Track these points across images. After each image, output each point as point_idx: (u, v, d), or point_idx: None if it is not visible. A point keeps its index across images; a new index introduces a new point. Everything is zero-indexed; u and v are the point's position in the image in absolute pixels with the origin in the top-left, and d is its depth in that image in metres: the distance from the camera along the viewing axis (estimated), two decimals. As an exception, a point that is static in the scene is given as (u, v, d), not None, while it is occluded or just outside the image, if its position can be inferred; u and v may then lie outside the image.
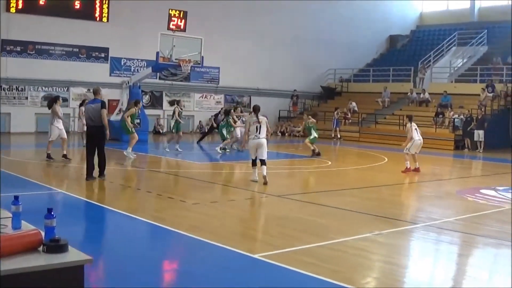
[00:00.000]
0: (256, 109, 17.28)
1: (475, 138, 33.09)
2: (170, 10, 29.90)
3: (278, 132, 42.67)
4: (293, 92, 46.51)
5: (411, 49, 51.89)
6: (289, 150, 30.10)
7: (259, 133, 16.75)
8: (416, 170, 20.79)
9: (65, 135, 21.12)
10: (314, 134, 25.50)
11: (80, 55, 37.16)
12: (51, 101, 21.33)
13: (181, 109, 26.96)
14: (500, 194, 16.63)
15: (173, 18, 29.67)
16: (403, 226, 11.62)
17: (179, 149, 25.84)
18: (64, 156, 20.80)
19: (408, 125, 21.34)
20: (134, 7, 37.37)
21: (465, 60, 45.55)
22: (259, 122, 16.81)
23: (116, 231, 11.11)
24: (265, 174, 16.40)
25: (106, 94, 37.03)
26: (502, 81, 38.36)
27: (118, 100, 34.35)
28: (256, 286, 7.59)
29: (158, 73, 38.14)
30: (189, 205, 13.25)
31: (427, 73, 43.54)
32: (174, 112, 26.46)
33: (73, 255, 4.21)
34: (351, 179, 20.04)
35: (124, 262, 8.66)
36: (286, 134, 42.10)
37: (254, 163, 16.98)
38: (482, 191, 16.93)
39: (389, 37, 54.02)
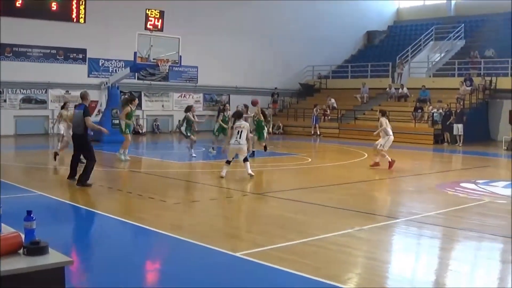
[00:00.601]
0: (240, 115, 17.76)
1: (454, 132, 33.27)
2: (147, 10, 29.79)
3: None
4: (273, 90, 46.62)
5: (388, 45, 52.10)
6: (269, 148, 30.10)
7: (240, 138, 17.10)
8: (392, 163, 20.41)
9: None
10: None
11: (58, 57, 36.94)
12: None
13: (193, 114, 26.34)
14: (480, 187, 16.73)
15: (150, 18, 29.57)
16: (384, 221, 11.65)
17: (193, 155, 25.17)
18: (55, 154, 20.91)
19: (383, 120, 20.95)
20: (111, 7, 37.18)
21: (442, 55, 45.78)
22: (241, 128, 17.17)
23: (96, 233, 11.08)
24: (249, 171, 17.08)
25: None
26: (480, 74, 38.57)
27: (97, 101, 34.23)
28: (238, 285, 7.60)
29: (136, 73, 38.02)
30: (170, 205, 13.24)
31: (405, 68, 43.70)
32: (185, 118, 24.67)
33: (53, 257, 4.20)
34: (331, 175, 20.08)
35: (104, 263, 8.65)
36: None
37: (228, 162, 17.47)
38: (462, 184, 17.02)
39: (366, 33, 54.19)
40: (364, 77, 44.78)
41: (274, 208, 13.13)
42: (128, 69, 32.22)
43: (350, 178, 18.33)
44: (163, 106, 41.73)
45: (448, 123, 33.48)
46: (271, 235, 10.20)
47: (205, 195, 15.32)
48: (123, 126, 22.60)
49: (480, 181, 17.75)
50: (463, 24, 46.64)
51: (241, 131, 17.06)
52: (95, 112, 33.02)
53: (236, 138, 17.08)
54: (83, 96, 16.07)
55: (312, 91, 47.67)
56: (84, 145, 15.61)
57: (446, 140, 33.78)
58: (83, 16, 36.70)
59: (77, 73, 37.21)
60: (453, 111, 33.91)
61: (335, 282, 7.49)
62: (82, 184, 15.15)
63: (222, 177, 17.06)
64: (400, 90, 40.51)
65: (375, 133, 21.23)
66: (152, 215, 11.89)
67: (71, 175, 16.04)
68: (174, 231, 10.29)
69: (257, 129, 24.29)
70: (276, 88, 46.76)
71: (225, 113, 26.35)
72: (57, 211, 12.68)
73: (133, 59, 29.69)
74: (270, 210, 12.89)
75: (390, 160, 20.32)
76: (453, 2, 51.89)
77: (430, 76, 42.43)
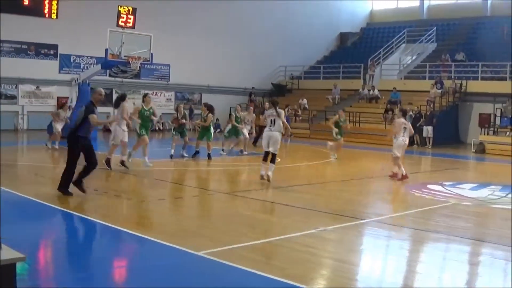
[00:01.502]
0: (275, 102, 17.12)
1: (424, 134, 33.57)
2: (119, 7, 29.61)
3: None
4: (251, 90, 46.73)
5: (361, 47, 52.32)
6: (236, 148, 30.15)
7: (274, 125, 16.52)
8: (404, 177, 18.24)
9: (126, 138, 19.30)
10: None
11: (29, 52, 36.65)
12: (119, 99, 19.55)
13: (237, 114, 25.97)
14: (447, 189, 16.85)
15: (122, 15, 29.35)
16: (349, 221, 11.68)
17: (245, 151, 25.42)
18: (122, 163, 19.11)
19: (399, 121, 19.09)
20: (83, 3, 36.94)
21: (414, 57, 46.13)
22: (276, 115, 16.56)
23: (60, 230, 10.97)
24: (270, 173, 16.32)
25: (55, 92, 36.87)
26: (450, 77, 38.87)
27: (67, 98, 34.01)
28: (198, 284, 7.58)
29: (108, 70, 37.81)
30: (136, 203, 13.20)
31: (377, 70, 43.93)
32: (231, 116, 25.21)
33: (5, 253, 4.17)
34: (301, 175, 20.13)
35: (62, 260, 8.63)
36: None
37: (265, 157, 16.65)
38: (429, 186, 17.15)
39: (339, 35, 54.38)
40: (336, 78, 44.97)
41: (242, 208, 13.13)
42: (99, 65, 32.04)
43: (319, 178, 18.42)
44: (134, 103, 41.41)
45: (418, 125, 33.69)
46: (237, 234, 10.21)
47: (172, 194, 15.29)
48: (137, 127, 19.87)
49: (447, 183, 17.88)
50: (435, 27, 47.00)
51: (274, 119, 16.49)
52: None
53: (270, 125, 16.55)
54: (95, 92, 14.17)
55: (284, 91, 47.74)
56: (73, 145, 13.49)
57: (416, 142, 34.01)
58: (55, 11, 36.42)
59: (48, 69, 36.96)
60: (423, 114, 34.21)
61: (297, 281, 7.50)
62: (62, 189, 13.50)
63: (262, 177, 16.45)
64: (371, 92, 40.71)
65: (388, 136, 19.66)
66: (119, 213, 11.85)
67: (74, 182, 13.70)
68: (140, 230, 10.26)
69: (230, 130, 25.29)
70: (253, 87, 46.92)
71: (237, 114, 26.23)
72: (22, 208, 12.55)
73: (104, 56, 29.51)
74: (238, 209, 12.89)
75: (403, 174, 18.22)
76: (425, 5, 52.25)
77: (401, 79, 42.71)
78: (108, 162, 18.56)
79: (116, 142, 19.06)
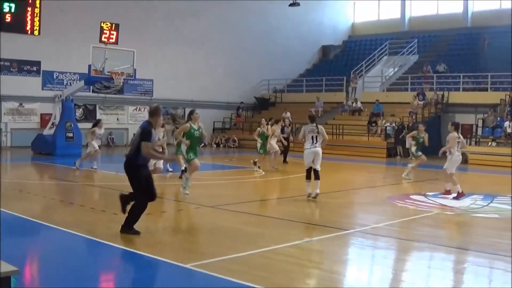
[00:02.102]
0: (314, 118, 16.99)
1: (407, 146, 33.60)
2: (102, 23, 29.69)
3: (213, 143, 42.90)
4: (239, 104, 46.94)
5: (343, 59, 52.58)
6: (224, 161, 30.25)
7: (317, 141, 16.37)
8: (461, 194, 17.14)
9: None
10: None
11: (11, 69, 36.50)
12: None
13: (263, 130, 24.75)
14: (430, 199, 16.99)
15: (104, 31, 29.40)
16: (334, 232, 11.78)
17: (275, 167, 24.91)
18: None
19: (452, 135, 17.58)
20: (66, 20, 36.98)
21: (396, 69, 46.42)
22: (317, 132, 16.45)
23: (44, 245, 10.98)
24: (318, 191, 16.10)
25: (38, 108, 36.80)
26: (432, 89, 39.20)
27: (51, 114, 33.98)
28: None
29: (91, 86, 37.79)
30: (122, 218, 13.24)
31: (359, 83, 44.16)
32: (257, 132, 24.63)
33: (2, 267, 4.24)
34: (284, 188, 20.28)
35: (48, 275, 8.68)
36: (221, 146, 42.27)
37: (308, 175, 16.42)
38: (412, 197, 17.29)
39: (321, 48, 54.59)
40: (319, 91, 45.14)
41: (226, 221, 13.19)
42: (82, 82, 32.04)
43: (302, 190, 18.45)
44: (118, 119, 41.56)
45: (400, 136, 33.90)
46: (222, 246, 10.29)
47: (158, 208, 15.33)
48: (184, 152, 17.10)
49: (430, 194, 18.03)
50: (416, 39, 47.37)
51: (316, 136, 16.38)
52: (49, 125, 32.76)
53: (312, 142, 16.37)
54: (153, 112, 11.49)
55: (267, 105, 47.85)
56: (132, 174, 11.32)
57: (398, 153, 34.22)
58: (37, 28, 36.28)
59: (31, 85, 36.83)
60: (406, 125, 34.40)
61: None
62: (126, 230, 11.14)
63: (310, 195, 16.22)
64: (354, 104, 40.90)
65: (440, 152, 18.01)
66: (103, 227, 11.89)
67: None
68: (125, 243, 10.32)
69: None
70: (242, 102, 47.30)
71: (262, 128, 25.00)
72: (6, 224, 12.57)
73: (87, 72, 29.53)
74: (222, 222, 12.94)
75: (460, 191, 17.12)
76: (407, 17, 52.61)
77: (383, 91, 42.98)
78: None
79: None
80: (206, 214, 14.34)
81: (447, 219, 13.91)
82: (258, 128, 25.42)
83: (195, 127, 17.00)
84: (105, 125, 39.76)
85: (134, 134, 33.65)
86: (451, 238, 11.78)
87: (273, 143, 25.56)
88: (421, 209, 15.12)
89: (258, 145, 24.71)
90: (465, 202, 16.37)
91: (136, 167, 11.14)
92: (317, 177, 16.19)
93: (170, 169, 22.39)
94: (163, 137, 20.15)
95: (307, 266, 9.29)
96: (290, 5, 45.61)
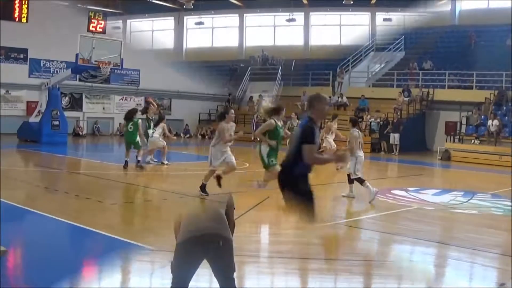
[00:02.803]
0: (356, 121, 16.73)
1: (391, 141, 33.96)
2: (90, 12, 29.73)
3: (198, 134, 43.03)
4: (228, 96, 46.94)
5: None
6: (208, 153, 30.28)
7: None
8: None
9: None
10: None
11: (-2, 56, 36.58)
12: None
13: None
14: (410, 194, 17.20)
15: (93, 20, 29.42)
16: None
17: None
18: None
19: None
20: (54, 8, 36.97)
21: (382, 65, 46.44)
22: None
23: (29, 230, 11.08)
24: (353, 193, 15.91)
25: (25, 96, 36.76)
26: (418, 85, 39.28)
27: (37, 102, 34.00)
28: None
29: (78, 75, 37.77)
30: (106, 205, 13.37)
31: (346, 78, 44.24)
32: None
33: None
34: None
35: (33, 259, 8.78)
36: (206, 137, 42.35)
37: (351, 180, 15.88)
38: (393, 191, 17.46)
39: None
40: (305, 86, 45.08)
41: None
42: (69, 70, 32.11)
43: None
44: (104, 108, 41.58)
45: (385, 132, 34.16)
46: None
47: (141, 197, 15.49)
48: (264, 155, 14.35)
49: (411, 189, 18.24)
50: (403, 36, 47.43)
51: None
52: (35, 112, 32.80)
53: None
54: (310, 102, 8.30)
55: (253, 97, 47.84)
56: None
57: (383, 149, 34.43)
58: (25, 15, 36.24)
59: (17, 73, 36.80)
60: (391, 121, 34.62)
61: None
62: None
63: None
64: (339, 99, 41.00)
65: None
66: (87, 214, 12.00)
67: None
68: (107, 230, 10.45)
69: None
70: (230, 94, 47.20)
71: (293, 122, 22.94)
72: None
73: (74, 61, 29.55)
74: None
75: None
76: (395, 14, 52.69)
77: (369, 86, 43.05)
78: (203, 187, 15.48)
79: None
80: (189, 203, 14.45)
81: (426, 214, 14.06)
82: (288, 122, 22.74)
83: (280, 124, 14.39)
84: (91, 114, 40.16)
85: (120, 123, 33.87)
86: (430, 232, 11.95)
87: (331, 140, 25.23)
88: (401, 204, 15.30)
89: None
90: (445, 198, 16.61)
91: (294, 179, 8.26)
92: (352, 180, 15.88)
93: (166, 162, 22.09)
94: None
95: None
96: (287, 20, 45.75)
